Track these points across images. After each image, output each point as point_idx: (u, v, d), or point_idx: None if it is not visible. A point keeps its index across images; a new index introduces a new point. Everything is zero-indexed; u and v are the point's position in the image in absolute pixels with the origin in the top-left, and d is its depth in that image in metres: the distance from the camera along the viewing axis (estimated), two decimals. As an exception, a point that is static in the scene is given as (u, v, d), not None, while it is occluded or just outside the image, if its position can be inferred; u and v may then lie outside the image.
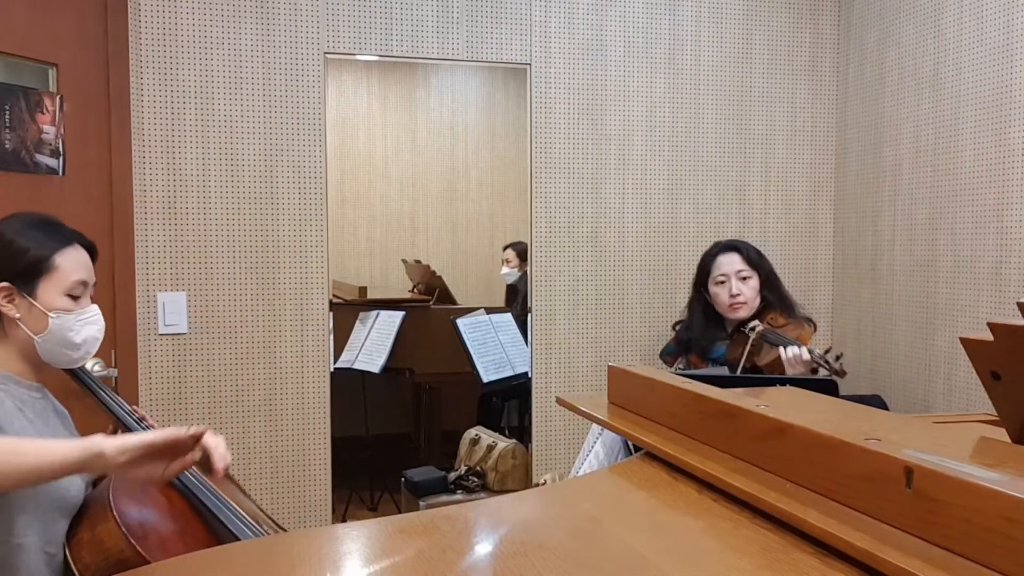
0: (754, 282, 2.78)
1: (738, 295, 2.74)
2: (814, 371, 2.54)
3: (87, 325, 1.65)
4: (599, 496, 1.24)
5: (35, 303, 1.59)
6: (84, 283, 1.65)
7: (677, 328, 2.96)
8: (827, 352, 2.56)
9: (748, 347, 2.65)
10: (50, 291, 1.60)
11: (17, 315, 1.59)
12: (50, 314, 1.59)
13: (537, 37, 3.16)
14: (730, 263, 2.78)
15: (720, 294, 2.78)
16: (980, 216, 2.75)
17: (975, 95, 2.76)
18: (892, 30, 3.14)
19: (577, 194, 3.24)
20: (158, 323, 2.85)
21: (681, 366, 2.85)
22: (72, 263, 1.63)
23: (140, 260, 2.82)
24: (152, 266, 2.84)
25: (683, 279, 3.35)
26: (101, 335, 1.70)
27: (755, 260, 2.80)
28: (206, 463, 1.49)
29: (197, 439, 1.45)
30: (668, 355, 2.96)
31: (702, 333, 2.81)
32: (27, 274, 1.59)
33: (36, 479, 1.34)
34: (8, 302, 1.59)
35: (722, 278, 2.78)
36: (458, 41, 3.10)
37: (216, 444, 1.49)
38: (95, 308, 1.68)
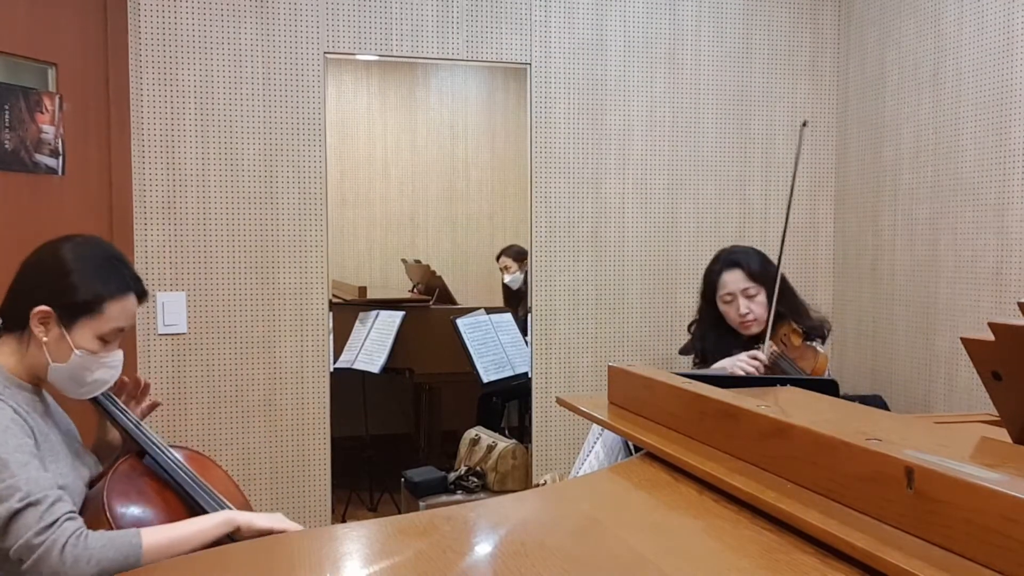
0: (762, 296, 2.67)
1: (747, 314, 2.63)
2: None
3: (105, 368, 1.65)
4: (599, 496, 1.24)
5: (67, 336, 1.58)
6: (121, 330, 1.65)
7: (692, 330, 2.87)
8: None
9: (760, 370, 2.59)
10: (86, 331, 1.59)
11: (45, 339, 1.57)
12: (76, 352, 1.59)
13: (537, 37, 3.16)
14: (734, 281, 2.66)
15: (729, 313, 2.67)
16: (981, 216, 2.75)
17: (975, 95, 2.76)
18: (892, 30, 3.14)
19: (577, 194, 3.23)
20: (158, 323, 2.85)
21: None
22: (119, 312, 1.62)
23: (140, 260, 2.82)
24: (152, 266, 2.84)
25: (683, 279, 3.35)
26: (113, 380, 1.69)
27: (758, 273, 2.66)
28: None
29: None
30: (686, 353, 2.87)
31: (715, 347, 2.73)
32: (72, 310, 1.58)
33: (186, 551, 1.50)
34: (42, 325, 1.57)
35: (728, 297, 2.66)
36: (458, 41, 3.10)
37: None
38: (119, 354, 1.67)
